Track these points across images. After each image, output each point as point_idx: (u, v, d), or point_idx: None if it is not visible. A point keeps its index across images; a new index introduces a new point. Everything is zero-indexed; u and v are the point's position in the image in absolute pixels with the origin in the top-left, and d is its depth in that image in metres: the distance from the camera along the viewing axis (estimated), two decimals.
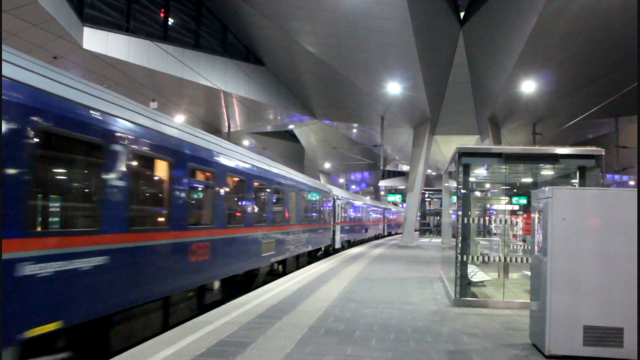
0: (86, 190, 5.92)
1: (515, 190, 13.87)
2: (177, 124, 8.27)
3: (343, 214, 25.26)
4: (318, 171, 50.93)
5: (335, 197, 23.42)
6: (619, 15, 16.87)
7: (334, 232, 22.58)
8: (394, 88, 23.71)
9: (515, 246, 11.93)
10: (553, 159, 9.33)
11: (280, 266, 14.35)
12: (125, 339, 6.48)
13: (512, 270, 12.07)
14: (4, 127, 4.35)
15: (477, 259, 10.03)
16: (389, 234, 48.38)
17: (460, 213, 9.37)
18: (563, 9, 16.92)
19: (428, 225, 47.48)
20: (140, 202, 7.02)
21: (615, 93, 18.72)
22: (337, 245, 23.29)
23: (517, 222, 10.99)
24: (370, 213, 37.19)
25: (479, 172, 11.49)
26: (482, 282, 10.99)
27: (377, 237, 39.69)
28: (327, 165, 50.53)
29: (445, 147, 35.83)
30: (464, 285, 9.41)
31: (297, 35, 23.11)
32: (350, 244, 27.78)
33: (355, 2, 19.22)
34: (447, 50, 24.22)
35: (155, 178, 7.27)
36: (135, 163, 6.49)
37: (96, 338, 6.03)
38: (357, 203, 31.37)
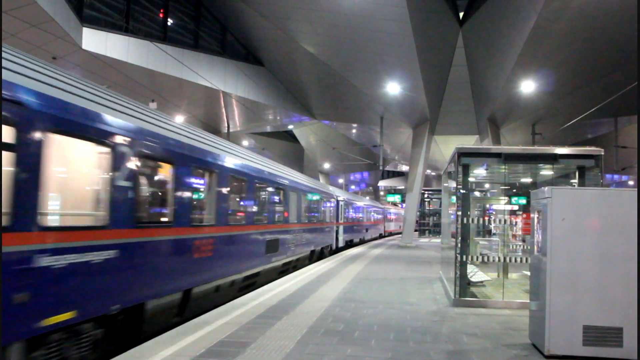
0: None
1: (514, 190, 13.88)
2: None
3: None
4: (317, 171, 50.94)
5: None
6: (618, 15, 16.89)
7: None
8: (393, 88, 23.70)
9: (514, 246, 11.93)
10: (552, 159, 9.32)
11: None
12: None
13: (511, 270, 12.07)
14: None
15: (477, 259, 10.03)
16: (350, 243, 27.78)
17: (459, 213, 9.37)
18: (562, 9, 16.94)
19: (427, 225, 47.48)
20: None
21: (615, 93, 18.75)
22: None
23: (516, 222, 10.99)
24: (310, 209, 17.42)
25: (479, 172, 11.49)
26: (481, 282, 10.99)
27: (317, 254, 19.28)
28: (327, 166, 50.54)
29: (445, 147, 35.82)
30: (464, 285, 9.41)
31: (297, 35, 23.12)
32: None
33: (354, 3, 19.24)
34: (446, 50, 24.23)
35: None
36: None
37: None
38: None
